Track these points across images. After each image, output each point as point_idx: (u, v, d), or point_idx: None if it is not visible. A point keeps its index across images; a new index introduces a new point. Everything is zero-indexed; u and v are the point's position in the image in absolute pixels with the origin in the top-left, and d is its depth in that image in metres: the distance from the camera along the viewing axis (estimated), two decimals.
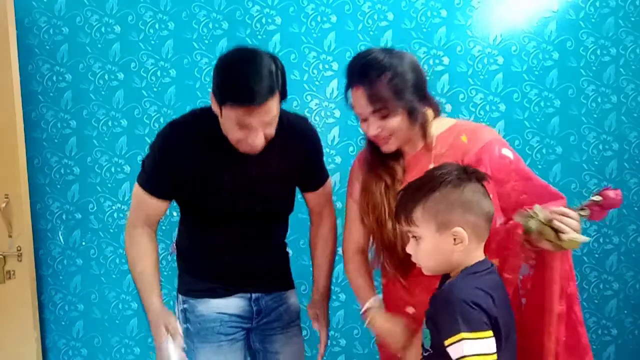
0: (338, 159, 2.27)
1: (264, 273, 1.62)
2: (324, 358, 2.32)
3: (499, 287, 1.12)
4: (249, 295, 1.62)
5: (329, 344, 2.33)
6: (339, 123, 2.27)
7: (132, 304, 2.33)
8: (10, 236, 2.15)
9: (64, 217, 2.31)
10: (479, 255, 1.16)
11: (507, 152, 1.36)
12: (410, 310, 1.42)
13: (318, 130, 2.23)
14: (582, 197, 2.26)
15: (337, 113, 2.27)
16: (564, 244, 1.16)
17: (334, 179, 2.26)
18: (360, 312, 1.46)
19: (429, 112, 1.37)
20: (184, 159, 1.44)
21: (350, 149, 2.27)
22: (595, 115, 2.26)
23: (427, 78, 1.39)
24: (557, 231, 1.16)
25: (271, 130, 1.37)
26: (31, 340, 2.22)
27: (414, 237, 1.17)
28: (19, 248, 2.16)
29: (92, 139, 2.28)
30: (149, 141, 2.30)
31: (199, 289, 1.61)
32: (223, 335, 1.58)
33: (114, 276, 2.32)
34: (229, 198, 1.49)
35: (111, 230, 2.31)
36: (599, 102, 2.26)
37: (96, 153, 2.29)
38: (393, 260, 1.41)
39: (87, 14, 2.25)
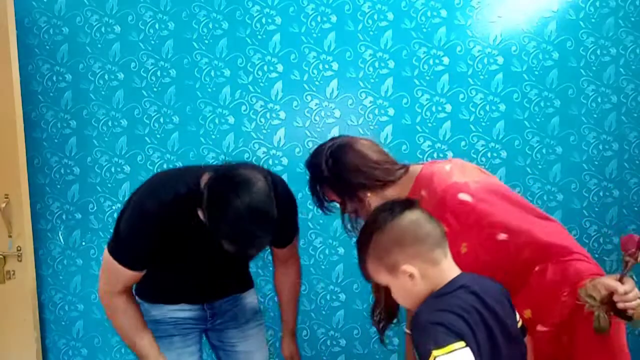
0: None
1: (218, 290, 1.64)
2: (324, 358, 2.34)
3: (472, 306, 1.08)
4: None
5: (328, 344, 2.34)
6: (338, 123, 2.27)
7: None
8: (10, 236, 2.15)
9: (64, 217, 2.31)
10: (446, 276, 1.13)
11: (464, 197, 1.31)
12: None
13: (318, 130, 2.25)
14: (582, 197, 2.27)
15: (337, 113, 2.26)
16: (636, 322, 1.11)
17: None
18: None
19: (370, 196, 1.44)
20: (163, 238, 1.41)
21: None
22: (595, 115, 2.26)
23: (383, 155, 1.47)
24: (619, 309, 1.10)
25: None
26: (31, 340, 2.22)
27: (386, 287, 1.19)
28: (19, 248, 2.16)
29: (92, 139, 2.28)
30: (149, 141, 2.33)
31: (152, 295, 1.62)
32: (176, 336, 1.60)
33: None
34: (200, 265, 1.50)
35: (111, 231, 2.30)
36: (599, 102, 2.26)
37: (96, 153, 2.29)
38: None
39: (87, 14, 2.25)
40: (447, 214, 1.30)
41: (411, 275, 1.11)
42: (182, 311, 1.61)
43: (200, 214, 1.30)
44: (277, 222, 1.33)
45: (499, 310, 1.11)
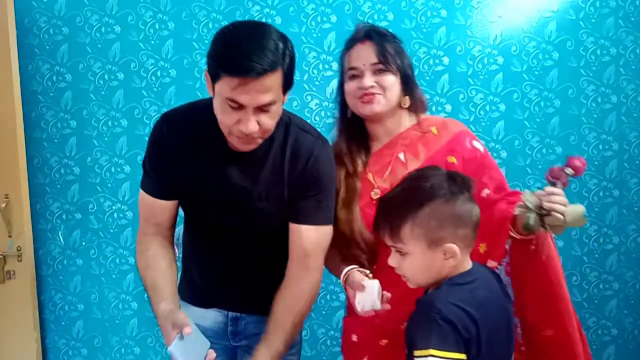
0: None
1: (245, 295, 1.44)
2: (324, 358, 2.34)
3: (482, 302, 1.08)
4: (226, 312, 1.46)
5: (328, 344, 2.33)
6: None
7: (132, 304, 2.33)
8: (10, 236, 2.15)
9: (64, 217, 2.31)
10: (466, 264, 1.14)
11: (478, 145, 1.41)
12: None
13: (318, 130, 2.25)
14: (582, 197, 2.27)
15: (337, 113, 2.26)
16: (570, 223, 1.18)
17: None
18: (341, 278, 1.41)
19: (419, 92, 1.45)
20: (176, 155, 1.32)
21: None
22: (595, 115, 2.26)
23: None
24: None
25: (268, 121, 1.19)
26: (31, 340, 2.22)
27: (398, 251, 1.13)
28: (19, 248, 2.16)
29: (92, 139, 2.28)
30: None
31: (183, 290, 1.48)
32: None
33: (114, 276, 2.32)
34: (213, 211, 1.35)
35: (111, 230, 2.31)
36: (599, 102, 2.26)
37: (96, 153, 2.29)
38: (343, 252, 1.41)
39: (87, 14, 2.25)
40: (458, 151, 1.37)
41: (448, 254, 1.08)
42: (204, 319, 1.44)
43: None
44: (298, 174, 1.29)
45: (492, 325, 1.10)
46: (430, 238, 1.08)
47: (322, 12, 2.23)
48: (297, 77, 2.22)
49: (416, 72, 2.21)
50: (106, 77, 2.27)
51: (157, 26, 2.25)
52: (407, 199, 1.10)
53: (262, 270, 1.41)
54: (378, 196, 1.35)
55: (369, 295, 1.23)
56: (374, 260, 1.39)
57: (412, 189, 1.11)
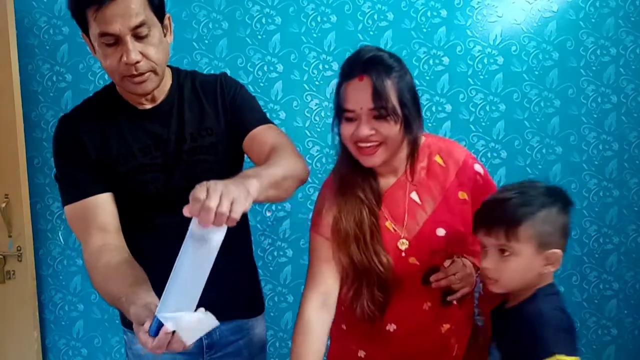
0: None
1: (216, 295, 1.11)
2: (324, 358, 2.33)
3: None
4: None
5: (328, 344, 2.33)
6: None
7: None
8: (10, 236, 2.15)
9: (64, 217, 2.30)
10: (551, 276, 1.18)
11: (479, 168, 1.34)
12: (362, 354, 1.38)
13: (318, 130, 2.25)
14: (582, 197, 2.27)
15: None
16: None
17: None
18: None
19: (421, 134, 1.28)
20: (84, 134, 1.24)
21: None
22: (595, 115, 2.26)
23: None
24: None
25: (152, 50, 1.15)
26: (31, 340, 2.22)
27: (501, 250, 1.13)
28: (19, 248, 2.16)
29: None
30: None
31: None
32: None
33: None
34: (155, 179, 1.25)
35: None
36: (599, 102, 2.26)
37: None
38: (371, 289, 1.25)
39: None
40: (465, 183, 1.31)
41: (550, 260, 1.12)
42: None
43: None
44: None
45: None
46: (542, 241, 1.11)
47: (322, 12, 2.23)
48: (297, 77, 2.24)
49: (416, 72, 2.23)
50: (106, 77, 2.24)
51: None
52: (527, 201, 1.13)
53: (229, 253, 1.06)
54: (406, 247, 1.25)
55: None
56: (388, 292, 1.25)
57: (530, 194, 1.14)
